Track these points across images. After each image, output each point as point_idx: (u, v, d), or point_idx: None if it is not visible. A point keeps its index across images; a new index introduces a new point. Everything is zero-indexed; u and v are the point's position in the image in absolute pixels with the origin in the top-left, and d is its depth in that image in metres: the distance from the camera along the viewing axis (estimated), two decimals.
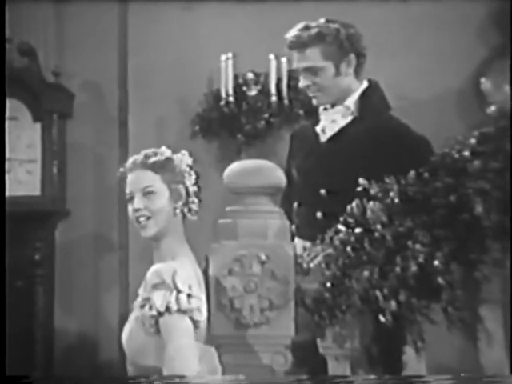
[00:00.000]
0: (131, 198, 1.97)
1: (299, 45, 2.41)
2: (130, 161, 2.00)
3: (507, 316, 1.53)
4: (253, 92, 4.14)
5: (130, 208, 1.98)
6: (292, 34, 2.43)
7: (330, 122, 2.45)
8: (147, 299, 1.84)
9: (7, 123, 4.15)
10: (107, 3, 4.30)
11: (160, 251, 1.95)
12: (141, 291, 1.90)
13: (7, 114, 4.10)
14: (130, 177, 1.98)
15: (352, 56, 2.42)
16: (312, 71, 2.42)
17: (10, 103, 4.18)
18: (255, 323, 1.77)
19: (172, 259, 1.90)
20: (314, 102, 2.47)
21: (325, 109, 2.48)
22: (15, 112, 4.22)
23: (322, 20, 2.44)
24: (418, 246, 1.49)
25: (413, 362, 1.54)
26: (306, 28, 2.41)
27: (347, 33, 2.41)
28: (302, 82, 2.45)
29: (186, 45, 4.23)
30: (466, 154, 1.58)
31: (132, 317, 1.93)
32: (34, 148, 4.22)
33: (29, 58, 4.20)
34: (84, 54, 4.29)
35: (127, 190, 1.98)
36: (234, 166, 2.02)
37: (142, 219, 1.94)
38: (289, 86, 4.02)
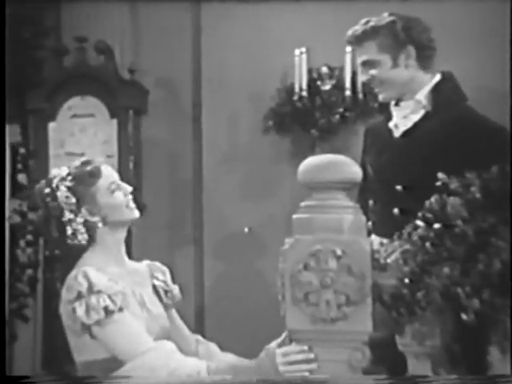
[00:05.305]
0: (118, 186, 2.13)
1: (356, 39, 2.41)
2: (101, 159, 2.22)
3: None
4: (327, 86, 4.11)
5: (119, 194, 2.12)
6: (352, 29, 2.42)
7: (402, 118, 2.42)
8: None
9: (85, 120, 4.26)
10: (181, 2, 4.35)
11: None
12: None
13: (85, 112, 4.20)
14: (104, 168, 2.14)
15: (410, 47, 2.38)
16: (369, 64, 2.40)
17: (87, 100, 4.29)
18: (332, 318, 1.75)
19: None
20: (380, 97, 2.46)
21: (396, 104, 2.45)
22: (92, 109, 4.32)
23: (385, 14, 2.41)
24: (501, 243, 1.45)
25: (498, 362, 1.49)
26: (365, 23, 2.41)
27: (404, 24, 2.38)
28: (361, 77, 2.46)
29: (260, 40, 4.24)
30: None
31: None
32: (111, 144, 4.31)
33: (105, 56, 4.30)
34: (158, 51, 4.36)
35: (110, 180, 2.13)
36: (309, 161, 2.01)
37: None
38: None
